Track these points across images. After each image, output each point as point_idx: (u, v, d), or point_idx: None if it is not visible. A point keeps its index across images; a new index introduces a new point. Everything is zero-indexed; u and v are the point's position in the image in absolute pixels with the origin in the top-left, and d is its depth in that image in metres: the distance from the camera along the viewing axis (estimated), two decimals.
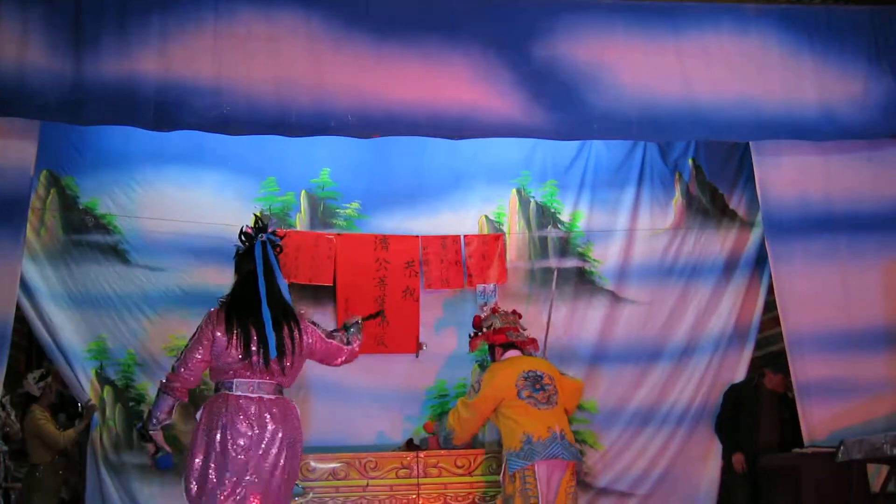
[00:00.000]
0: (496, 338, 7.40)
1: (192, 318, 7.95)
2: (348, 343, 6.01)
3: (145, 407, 8.03)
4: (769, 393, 8.44)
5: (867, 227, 7.74)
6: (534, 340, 7.51)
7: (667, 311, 8.75)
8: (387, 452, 8.00)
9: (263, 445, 5.50)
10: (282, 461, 5.55)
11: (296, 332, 5.67)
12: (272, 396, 5.63)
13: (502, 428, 7.04)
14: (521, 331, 7.47)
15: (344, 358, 6.01)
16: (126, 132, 6.80)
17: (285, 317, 5.67)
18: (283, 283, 5.75)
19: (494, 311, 7.58)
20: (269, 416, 5.56)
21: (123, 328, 8.06)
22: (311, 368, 8.18)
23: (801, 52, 7.39)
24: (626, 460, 8.58)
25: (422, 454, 7.94)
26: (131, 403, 8.10)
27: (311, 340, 5.78)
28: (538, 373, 7.02)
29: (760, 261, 8.58)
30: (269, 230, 5.84)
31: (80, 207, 8.12)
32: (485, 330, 7.49)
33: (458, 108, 7.04)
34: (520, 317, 7.57)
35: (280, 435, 5.55)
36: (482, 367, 8.21)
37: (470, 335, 7.64)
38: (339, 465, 7.88)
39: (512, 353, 7.33)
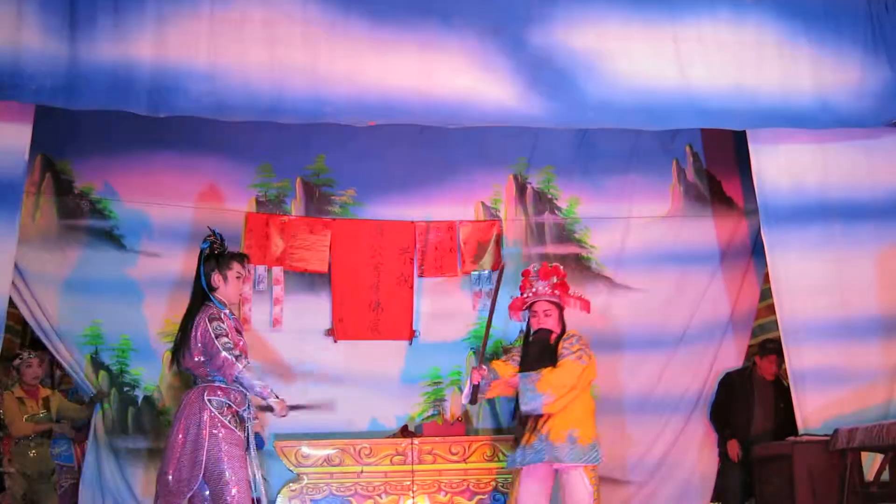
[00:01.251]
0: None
1: (186, 303, 8.06)
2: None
3: (140, 392, 8.13)
4: (762, 381, 8.49)
5: (863, 216, 7.73)
6: None
7: (663, 298, 8.77)
8: (381, 439, 8.07)
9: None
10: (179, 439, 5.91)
11: (189, 328, 6.04)
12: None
13: (586, 408, 7.07)
14: None
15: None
16: (121, 116, 6.76)
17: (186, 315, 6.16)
18: (201, 283, 6.17)
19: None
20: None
21: (118, 313, 8.07)
22: (301, 353, 8.39)
23: (797, 41, 7.36)
24: (622, 448, 8.60)
25: (416, 441, 7.99)
26: (126, 389, 8.13)
27: (195, 334, 6.02)
28: None
29: (756, 249, 8.60)
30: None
31: (75, 192, 8.13)
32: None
33: (455, 95, 7.00)
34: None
35: (179, 421, 5.96)
36: (476, 353, 8.21)
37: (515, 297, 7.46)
38: (333, 451, 7.96)
39: None
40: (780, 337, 7.83)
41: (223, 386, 5.97)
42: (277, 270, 8.41)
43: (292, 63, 6.85)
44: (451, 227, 8.65)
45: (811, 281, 7.72)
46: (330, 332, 8.44)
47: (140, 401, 8.14)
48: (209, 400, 5.91)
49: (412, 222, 8.61)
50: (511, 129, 8.21)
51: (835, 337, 7.63)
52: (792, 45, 7.36)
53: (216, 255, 6.24)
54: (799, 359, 7.70)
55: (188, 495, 5.85)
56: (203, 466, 5.80)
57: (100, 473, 8.00)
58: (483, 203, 8.79)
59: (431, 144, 8.49)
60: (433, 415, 8.45)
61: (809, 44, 7.38)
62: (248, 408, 6.09)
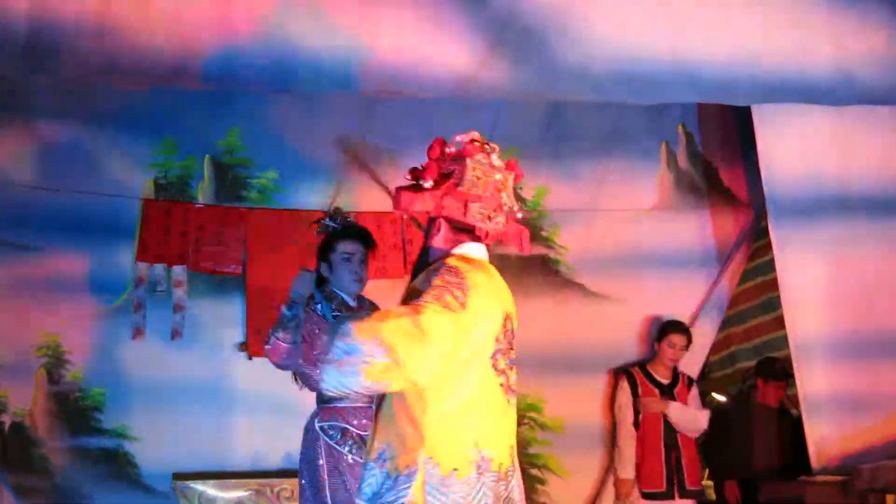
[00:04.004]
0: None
1: (67, 309, 8.18)
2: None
3: (7, 417, 8.13)
4: (765, 408, 8.64)
5: (890, 210, 7.81)
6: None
7: (648, 309, 8.84)
8: None
9: None
10: None
11: None
12: None
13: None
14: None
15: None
16: None
17: None
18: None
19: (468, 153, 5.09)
20: None
21: None
22: (207, 372, 8.42)
23: (813, 1, 7.37)
24: (598, 488, 8.71)
25: None
26: None
27: None
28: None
29: (761, 249, 8.73)
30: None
31: None
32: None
33: (399, 58, 7.00)
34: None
35: None
36: None
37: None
38: (245, 492, 7.94)
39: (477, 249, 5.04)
40: (787, 356, 7.91)
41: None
42: (179, 270, 8.40)
43: (201, 19, 6.82)
44: (394, 221, 8.71)
45: (829, 288, 7.79)
46: (243, 347, 8.46)
47: (6, 428, 8.14)
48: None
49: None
50: (466, 101, 8.26)
51: (856, 356, 7.69)
52: (807, 7, 7.36)
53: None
54: (812, 382, 7.75)
55: None
56: None
57: None
58: None
59: (371, 118, 8.51)
60: None
61: (828, 4, 7.37)
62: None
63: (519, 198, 8.52)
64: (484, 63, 7.10)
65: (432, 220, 4.82)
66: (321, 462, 6.10)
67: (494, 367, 4.61)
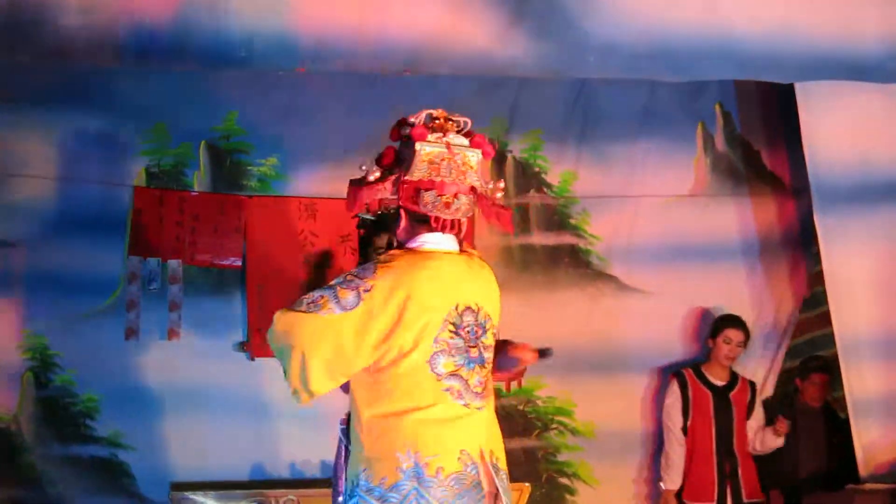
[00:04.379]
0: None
1: (54, 308, 8.10)
2: None
3: None
4: (807, 409, 8.50)
5: None
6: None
7: (684, 303, 8.78)
8: (313, 489, 7.90)
9: None
10: None
11: None
12: None
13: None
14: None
15: None
16: None
17: None
18: None
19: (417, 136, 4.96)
20: None
21: None
22: (204, 375, 8.33)
23: None
24: (631, 499, 8.64)
25: None
26: None
27: None
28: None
29: (806, 238, 8.62)
30: None
31: None
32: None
33: (413, 35, 6.95)
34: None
35: None
36: None
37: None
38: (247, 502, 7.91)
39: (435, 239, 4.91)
40: (834, 355, 7.84)
41: None
42: (175, 265, 8.31)
43: None
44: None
45: (879, 281, 7.70)
46: (245, 347, 8.39)
47: None
48: None
49: None
50: (486, 79, 8.28)
51: None
52: None
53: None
54: (860, 383, 7.69)
55: None
56: None
57: None
58: None
59: (380, 100, 8.32)
60: None
61: None
62: None
63: (545, 184, 8.52)
64: (503, 37, 7.03)
65: (396, 211, 4.84)
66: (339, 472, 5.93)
67: (433, 370, 4.63)
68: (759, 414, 8.35)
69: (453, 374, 4.61)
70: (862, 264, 7.72)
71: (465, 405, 4.63)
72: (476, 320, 4.71)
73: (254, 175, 8.50)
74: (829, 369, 8.14)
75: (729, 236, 8.86)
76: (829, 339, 7.96)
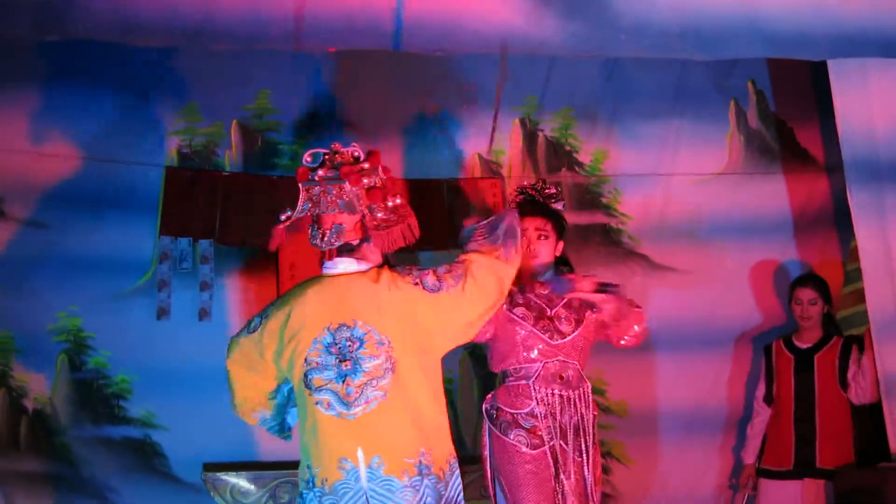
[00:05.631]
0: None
1: (86, 290, 8.13)
2: None
3: (28, 403, 8.09)
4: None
5: None
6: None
7: (717, 282, 8.78)
8: None
9: None
10: None
11: None
12: None
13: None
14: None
15: None
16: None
17: None
18: None
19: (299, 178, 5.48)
20: None
21: None
22: (223, 354, 8.33)
23: None
24: (664, 477, 8.67)
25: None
26: (14, 393, 8.08)
27: None
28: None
29: (841, 216, 8.56)
30: None
31: None
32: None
33: (442, 14, 6.94)
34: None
35: None
36: (473, 356, 8.25)
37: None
38: (280, 484, 7.83)
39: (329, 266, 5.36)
40: (864, 333, 7.88)
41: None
42: (206, 245, 8.32)
43: None
44: (438, 187, 8.61)
45: None
46: None
47: (31, 413, 8.12)
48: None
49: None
50: (517, 58, 8.30)
51: None
52: None
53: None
54: (893, 360, 7.62)
55: None
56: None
57: None
58: (480, 156, 8.75)
59: (411, 78, 8.44)
60: None
61: None
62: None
63: (576, 162, 8.53)
64: (534, 16, 7.00)
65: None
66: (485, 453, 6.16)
67: (307, 386, 5.08)
68: (856, 366, 8.13)
69: (323, 388, 5.01)
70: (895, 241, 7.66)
71: (338, 414, 4.98)
72: (351, 335, 5.04)
73: (285, 153, 8.53)
74: (863, 347, 8.02)
75: (762, 214, 8.83)
76: (864, 317, 7.88)
